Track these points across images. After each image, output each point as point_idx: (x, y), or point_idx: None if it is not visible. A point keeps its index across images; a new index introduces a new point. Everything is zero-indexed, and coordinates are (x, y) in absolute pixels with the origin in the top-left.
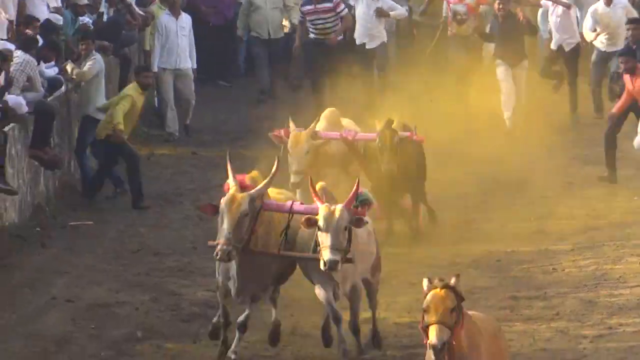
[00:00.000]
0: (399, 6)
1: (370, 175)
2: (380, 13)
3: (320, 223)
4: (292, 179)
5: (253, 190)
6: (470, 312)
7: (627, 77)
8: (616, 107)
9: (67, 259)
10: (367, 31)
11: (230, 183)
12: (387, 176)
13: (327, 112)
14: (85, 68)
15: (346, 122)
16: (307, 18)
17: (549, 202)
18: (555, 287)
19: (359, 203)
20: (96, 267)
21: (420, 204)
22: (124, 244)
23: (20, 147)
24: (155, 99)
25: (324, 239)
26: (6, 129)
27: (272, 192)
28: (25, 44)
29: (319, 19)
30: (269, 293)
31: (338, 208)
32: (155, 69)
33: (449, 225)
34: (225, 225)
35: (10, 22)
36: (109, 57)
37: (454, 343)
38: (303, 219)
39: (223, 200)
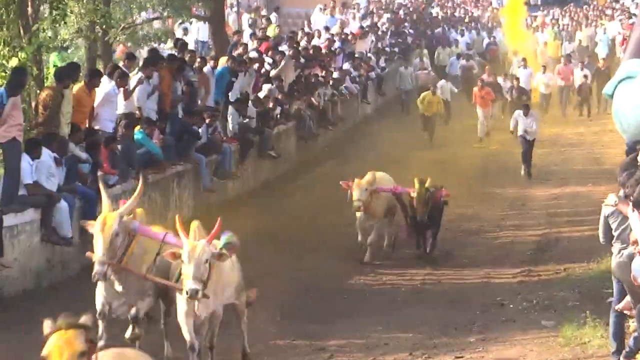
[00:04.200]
0: None
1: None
2: None
3: (184, 256)
4: (355, 204)
5: (121, 208)
6: (116, 350)
7: None
8: None
9: None
10: None
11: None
12: (420, 221)
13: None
14: None
15: (380, 174)
16: None
17: None
18: None
19: (224, 246)
20: None
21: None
22: None
23: None
24: None
25: (187, 270)
26: None
27: (157, 227)
28: None
29: None
30: (149, 306)
31: (200, 244)
32: None
33: None
34: (99, 247)
35: None
36: None
37: None
38: (168, 252)
39: (96, 222)
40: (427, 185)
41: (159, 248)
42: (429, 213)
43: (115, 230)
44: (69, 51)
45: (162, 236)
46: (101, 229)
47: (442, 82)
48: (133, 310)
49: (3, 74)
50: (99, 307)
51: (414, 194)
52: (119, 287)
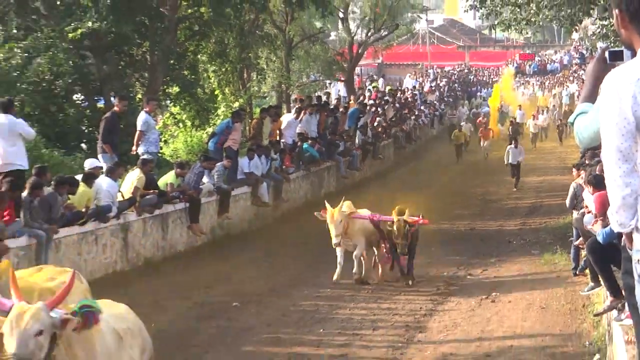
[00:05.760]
0: None
1: (385, 243)
2: None
3: (5, 326)
4: (334, 240)
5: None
6: None
7: None
8: None
9: None
10: None
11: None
12: (400, 254)
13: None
14: None
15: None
16: None
17: None
18: None
19: (80, 313)
20: None
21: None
22: None
23: None
24: None
25: (9, 345)
26: None
27: None
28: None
29: None
30: None
31: (32, 308)
32: None
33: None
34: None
35: None
36: None
37: None
38: None
39: None
40: (405, 216)
41: None
42: (408, 245)
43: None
44: (267, 99)
45: None
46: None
47: (464, 124)
48: None
49: (230, 110)
50: None
51: (393, 228)
52: None
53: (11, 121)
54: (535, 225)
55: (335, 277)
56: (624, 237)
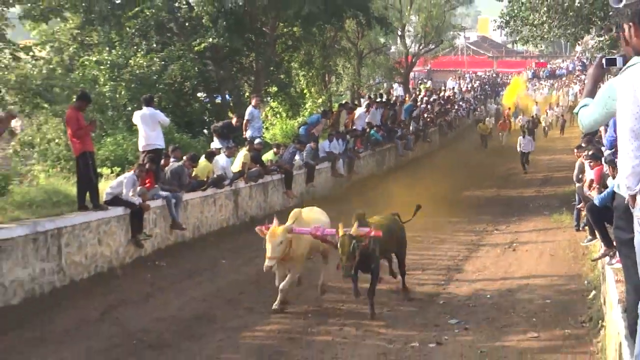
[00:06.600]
0: None
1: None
2: None
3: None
4: (267, 262)
5: None
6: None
7: None
8: None
9: None
10: None
11: None
12: (346, 276)
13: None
14: None
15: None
16: None
17: None
18: None
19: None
20: None
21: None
22: None
23: None
24: None
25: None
26: None
27: None
28: None
29: None
30: None
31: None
32: None
33: None
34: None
35: None
36: None
37: None
38: None
39: None
40: (353, 229)
41: None
42: (358, 265)
43: None
44: (342, 96)
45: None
46: None
47: (488, 118)
48: None
49: (315, 105)
50: None
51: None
52: None
53: (152, 112)
54: (547, 192)
55: (274, 305)
56: (628, 198)
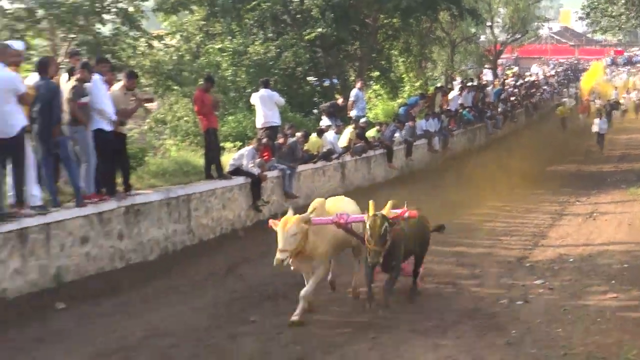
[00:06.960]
0: None
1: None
2: None
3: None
4: (278, 255)
5: None
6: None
7: None
8: None
9: None
10: None
11: None
12: (373, 264)
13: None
14: None
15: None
16: None
17: None
18: None
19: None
20: None
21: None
22: None
23: None
24: None
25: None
26: None
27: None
28: None
29: None
30: None
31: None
32: None
33: None
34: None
35: None
36: None
37: None
38: None
39: None
40: (386, 210)
41: None
42: (387, 252)
43: None
44: (437, 80)
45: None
46: None
47: (566, 99)
48: None
49: (414, 89)
50: None
51: (366, 227)
52: None
53: (269, 93)
54: (624, 168)
55: (294, 317)
56: None
